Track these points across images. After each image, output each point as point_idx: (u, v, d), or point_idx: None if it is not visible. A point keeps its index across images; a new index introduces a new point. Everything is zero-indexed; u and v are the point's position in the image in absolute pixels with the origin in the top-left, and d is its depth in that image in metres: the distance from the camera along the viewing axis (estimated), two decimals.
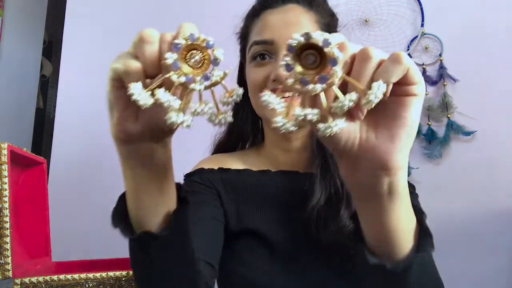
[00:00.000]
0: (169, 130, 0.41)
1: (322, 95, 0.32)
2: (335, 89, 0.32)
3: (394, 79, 0.32)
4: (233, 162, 0.72)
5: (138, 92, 0.33)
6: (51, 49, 2.89)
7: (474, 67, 1.37)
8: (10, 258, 0.81)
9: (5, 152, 0.83)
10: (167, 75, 0.34)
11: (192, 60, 0.34)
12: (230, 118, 0.35)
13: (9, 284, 0.84)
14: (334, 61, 0.31)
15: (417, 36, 1.41)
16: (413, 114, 0.34)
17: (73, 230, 1.33)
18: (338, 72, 0.31)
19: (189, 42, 0.34)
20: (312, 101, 0.33)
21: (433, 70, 1.40)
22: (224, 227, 0.66)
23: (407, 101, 0.33)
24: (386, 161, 0.34)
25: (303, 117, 0.32)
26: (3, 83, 2.05)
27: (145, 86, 0.34)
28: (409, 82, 0.33)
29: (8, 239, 0.81)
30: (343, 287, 0.60)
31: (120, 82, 0.36)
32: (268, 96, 0.32)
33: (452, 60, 1.38)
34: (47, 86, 2.94)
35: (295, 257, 0.62)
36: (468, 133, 1.33)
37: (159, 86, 0.34)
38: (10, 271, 0.80)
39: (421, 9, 1.42)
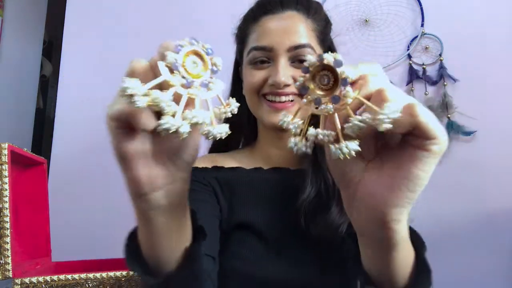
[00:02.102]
0: (194, 152, 0.36)
1: (336, 116, 0.32)
2: (348, 110, 0.31)
3: (400, 129, 0.29)
4: (226, 161, 0.74)
5: (137, 88, 0.28)
6: (51, 49, 2.88)
7: (474, 67, 1.37)
8: (10, 258, 0.81)
9: (5, 152, 0.83)
10: (162, 78, 0.31)
11: (192, 66, 0.33)
12: (226, 130, 0.33)
13: (9, 284, 0.84)
14: (345, 81, 0.31)
15: (417, 36, 1.41)
16: (420, 170, 0.30)
17: (73, 230, 1.33)
18: (350, 92, 0.31)
19: (191, 48, 0.33)
20: (326, 122, 0.33)
21: (433, 70, 1.40)
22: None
23: (416, 155, 0.30)
24: (381, 213, 0.32)
25: (314, 136, 0.32)
26: (3, 83, 2.05)
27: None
28: (423, 135, 0.29)
29: (8, 239, 0.81)
30: (335, 280, 0.60)
31: (126, 124, 0.31)
32: (284, 116, 0.35)
33: (452, 60, 1.38)
34: (47, 86, 2.93)
35: (287, 249, 0.63)
36: (468, 133, 1.33)
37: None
38: (10, 271, 0.80)
39: (421, 9, 1.42)
